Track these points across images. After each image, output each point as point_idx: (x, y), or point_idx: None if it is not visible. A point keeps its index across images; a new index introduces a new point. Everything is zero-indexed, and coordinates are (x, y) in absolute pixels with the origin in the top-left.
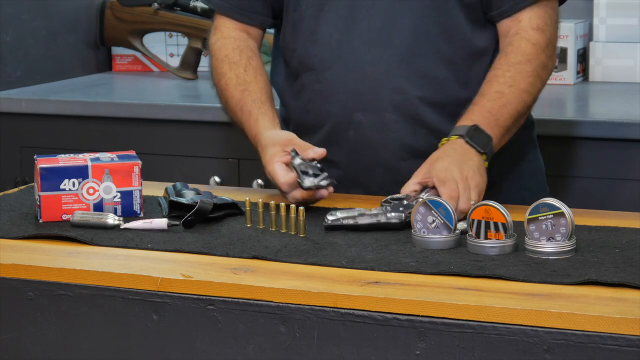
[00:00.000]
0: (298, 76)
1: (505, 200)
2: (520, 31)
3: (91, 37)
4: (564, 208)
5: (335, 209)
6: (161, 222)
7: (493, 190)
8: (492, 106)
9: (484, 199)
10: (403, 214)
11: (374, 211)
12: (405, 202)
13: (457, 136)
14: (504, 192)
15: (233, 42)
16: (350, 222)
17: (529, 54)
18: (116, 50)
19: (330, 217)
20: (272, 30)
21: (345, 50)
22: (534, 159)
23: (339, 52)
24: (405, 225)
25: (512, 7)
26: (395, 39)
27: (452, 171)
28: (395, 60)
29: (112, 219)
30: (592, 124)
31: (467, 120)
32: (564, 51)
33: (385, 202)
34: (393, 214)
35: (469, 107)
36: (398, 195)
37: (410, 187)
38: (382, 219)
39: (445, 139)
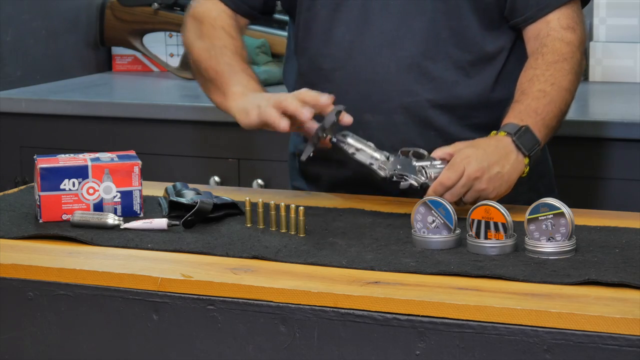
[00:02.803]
0: (308, 75)
1: (512, 201)
2: (552, 32)
3: (91, 37)
4: (564, 208)
5: (348, 133)
6: (161, 222)
7: None
8: (537, 105)
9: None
10: (389, 172)
11: (377, 155)
12: (413, 163)
13: (505, 133)
14: (512, 193)
15: (228, 19)
16: (351, 150)
17: (565, 52)
18: (116, 50)
19: (339, 137)
20: (285, 33)
21: (356, 51)
22: (543, 161)
23: (350, 52)
24: (387, 181)
25: (536, 13)
26: (406, 41)
27: (470, 163)
28: (405, 62)
29: (112, 219)
30: (592, 124)
31: (515, 118)
32: None
33: (402, 151)
34: (386, 167)
35: (513, 104)
36: (422, 151)
37: (440, 152)
38: (375, 165)
39: (494, 132)
